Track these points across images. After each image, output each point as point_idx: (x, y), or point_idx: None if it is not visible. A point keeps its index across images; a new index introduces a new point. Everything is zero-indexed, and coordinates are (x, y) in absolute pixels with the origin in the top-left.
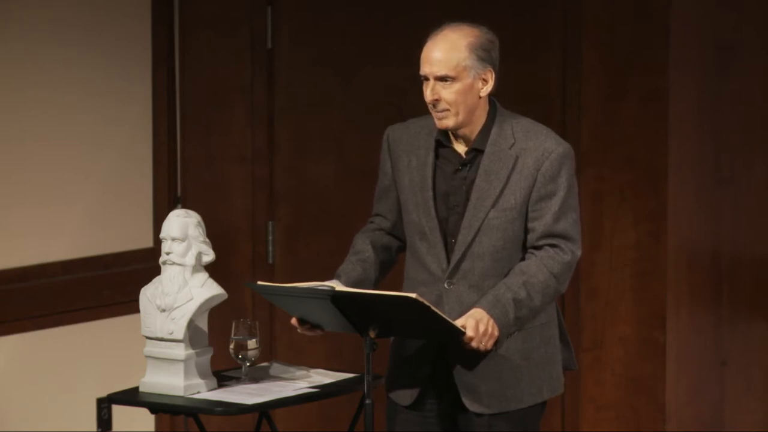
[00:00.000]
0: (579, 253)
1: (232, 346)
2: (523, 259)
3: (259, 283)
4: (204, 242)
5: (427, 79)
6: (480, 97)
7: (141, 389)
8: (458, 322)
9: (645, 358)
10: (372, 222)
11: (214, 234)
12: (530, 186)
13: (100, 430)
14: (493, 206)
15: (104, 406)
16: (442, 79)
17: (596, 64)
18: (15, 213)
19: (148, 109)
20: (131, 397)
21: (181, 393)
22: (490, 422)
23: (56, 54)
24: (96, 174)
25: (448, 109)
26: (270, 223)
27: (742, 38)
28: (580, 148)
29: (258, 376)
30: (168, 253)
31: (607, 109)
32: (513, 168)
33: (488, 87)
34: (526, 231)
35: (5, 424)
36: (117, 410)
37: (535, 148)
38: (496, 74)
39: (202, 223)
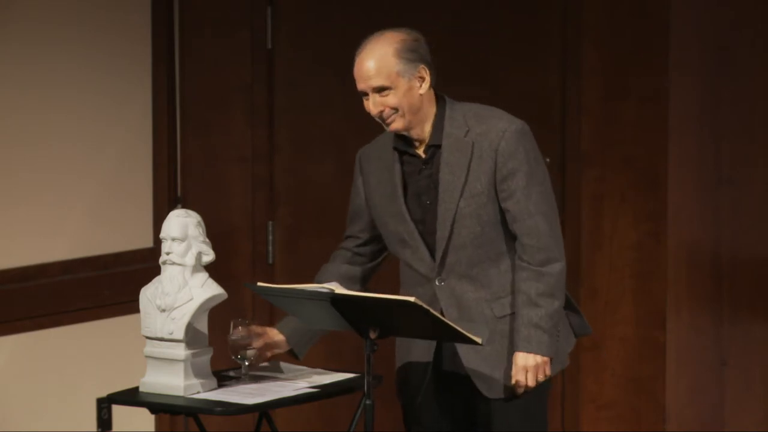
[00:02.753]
0: (558, 228)
1: (230, 345)
2: (507, 241)
3: (259, 284)
4: (204, 242)
5: (366, 93)
6: (421, 95)
7: (141, 389)
8: (512, 378)
9: (645, 358)
10: (341, 248)
11: (214, 234)
12: (492, 168)
13: (100, 430)
14: (461, 196)
15: (104, 406)
16: (380, 89)
17: (596, 64)
18: (15, 213)
19: (148, 109)
20: (131, 397)
21: (181, 393)
22: (502, 406)
23: (56, 54)
24: (96, 174)
25: (395, 112)
26: (270, 223)
27: (742, 38)
28: (580, 148)
29: (258, 376)
30: (168, 253)
31: (607, 109)
32: (471, 154)
33: (426, 83)
34: (502, 211)
35: (5, 424)
36: (117, 410)
37: (489, 131)
38: (430, 69)
39: (202, 223)
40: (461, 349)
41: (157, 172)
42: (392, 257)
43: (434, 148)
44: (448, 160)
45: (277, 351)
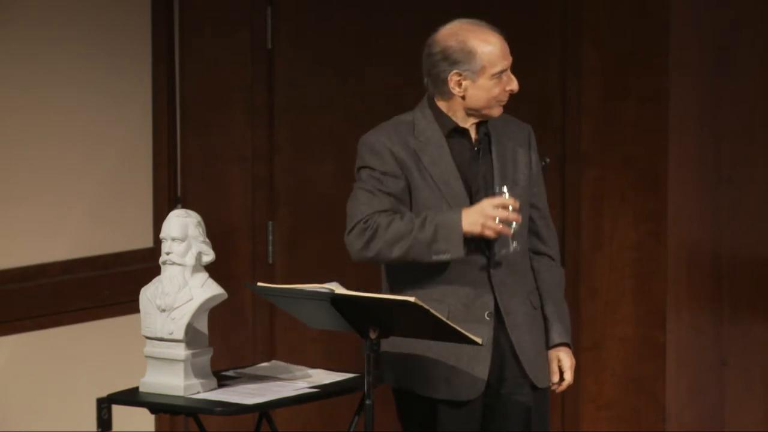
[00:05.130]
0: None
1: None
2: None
3: (259, 284)
4: (204, 242)
5: (503, 72)
6: None
7: (141, 389)
8: (553, 375)
9: (645, 358)
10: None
11: (214, 234)
12: (528, 163)
13: (100, 430)
14: (514, 185)
15: (104, 406)
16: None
17: (596, 64)
18: (15, 213)
19: (148, 109)
20: (131, 397)
21: (181, 393)
22: (538, 399)
23: (56, 54)
24: (96, 174)
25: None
26: (270, 223)
27: (742, 38)
28: (580, 148)
29: (258, 376)
30: (168, 253)
31: (607, 109)
32: (515, 147)
33: None
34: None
35: (5, 424)
36: (117, 410)
37: (520, 129)
38: None
39: (202, 223)
40: (515, 336)
41: (157, 172)
42: None
43: (484, 136)
44: (499, 150)
45: None
